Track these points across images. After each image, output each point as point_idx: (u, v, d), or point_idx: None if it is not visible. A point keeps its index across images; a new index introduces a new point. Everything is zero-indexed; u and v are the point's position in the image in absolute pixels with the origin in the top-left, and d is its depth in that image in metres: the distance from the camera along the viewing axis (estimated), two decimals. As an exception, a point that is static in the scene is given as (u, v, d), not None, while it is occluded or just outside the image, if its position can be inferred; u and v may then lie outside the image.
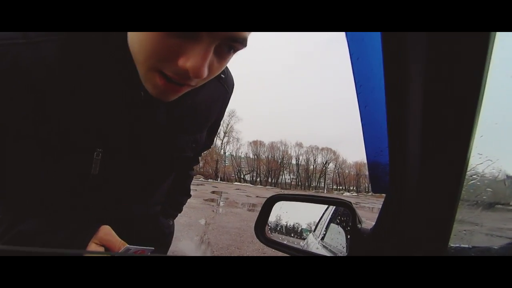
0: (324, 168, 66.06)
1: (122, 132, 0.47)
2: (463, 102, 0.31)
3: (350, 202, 0.59)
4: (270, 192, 29.87)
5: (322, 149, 66.67)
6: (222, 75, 0.61)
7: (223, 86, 0.63)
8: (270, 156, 60.58)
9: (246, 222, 6.41)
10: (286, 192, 35.55)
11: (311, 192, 47.46)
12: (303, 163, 65.85)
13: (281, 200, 0.72)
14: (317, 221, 0.86)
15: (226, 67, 0.56)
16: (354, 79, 0.41)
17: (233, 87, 0.67)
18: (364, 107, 0.43)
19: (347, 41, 0.38)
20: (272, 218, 0.71)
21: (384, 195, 0.49)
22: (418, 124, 0.34)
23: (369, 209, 13.40)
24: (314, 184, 64.28)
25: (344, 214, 0.71)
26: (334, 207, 0.80)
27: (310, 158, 65.61)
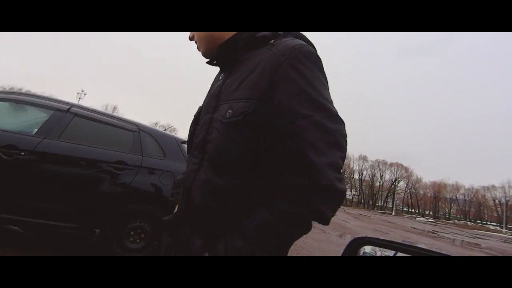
0: (393, 186, 60.40)
1: None
2: None
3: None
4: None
5: (391, 164, 61.54)
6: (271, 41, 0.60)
7: (270, 51, 0.58)
8: (330, 170, 58.48)
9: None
10: (346, 209, 34.17)
11: (377, 213, 43.98)
12: (367, 178, 61.80)
13: (368, 245, 0.65)
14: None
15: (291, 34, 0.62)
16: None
17: (286, 52, 0.55)
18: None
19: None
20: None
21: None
22: None
23: (450, 241, 12.22)
24: (380, 204, 59.41)
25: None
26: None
27: (376, 174, 61.20)
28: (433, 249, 0.61)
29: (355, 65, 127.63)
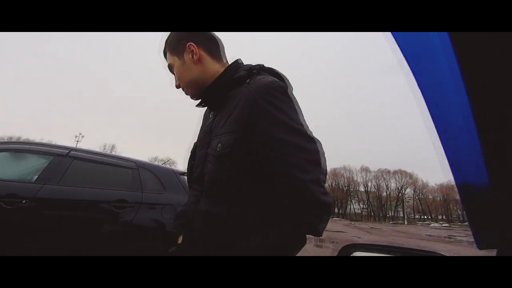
0: (400, 195, 59.26)
1: None
2: None
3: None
4: (338, 224, 28.40)
5: (395, 172, 60.86)
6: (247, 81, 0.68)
7: (246, 88, 0.66)
8: (334, 184, 57.92)
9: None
10: (357, 224, 33.19)
11: (388, 224, 42.75)
12: (373, 189, 60.78)
13: (358, 251, 0.66)
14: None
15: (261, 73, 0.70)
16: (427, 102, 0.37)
17: (260, 89, 0.62)
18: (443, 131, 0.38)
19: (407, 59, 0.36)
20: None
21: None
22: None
23: (469, 244, 11.49)
24: (390, 214, 57.90)
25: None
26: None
27: (381, 184, 60.27)
28: (423, 249, 0.63)
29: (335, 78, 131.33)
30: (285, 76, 0.71)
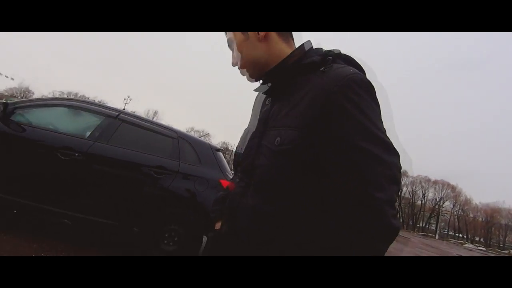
0: (437, 207, 55.05)
1: None
2: None
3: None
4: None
5: (436, 181, 56.23)
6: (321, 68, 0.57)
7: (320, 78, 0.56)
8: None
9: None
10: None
11: (418, 235, 40.37)
12: (407, 195, 57.14)
13: None
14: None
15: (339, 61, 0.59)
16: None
17: (339, 82, 0.53)
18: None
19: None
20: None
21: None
22: None
23: None
24: (421, 224, 54.48)
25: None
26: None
27: (418, 191, 56.30)
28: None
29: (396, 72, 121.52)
30: (364, 70, 0.60)
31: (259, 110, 0.70)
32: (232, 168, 0.76)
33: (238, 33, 0.66)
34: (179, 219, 2.54)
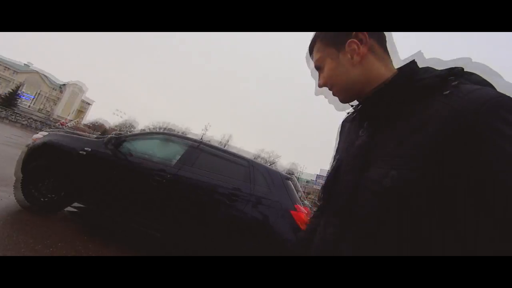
0: None
1: None
2: None
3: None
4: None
5: None
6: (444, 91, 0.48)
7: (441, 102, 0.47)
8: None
9: None
10: None
11: None
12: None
13: None
14: None
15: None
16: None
17: (478, 107, 0.43)
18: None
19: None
20: None
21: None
22: None
23: None
24: None
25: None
26: None
27: None
28: None
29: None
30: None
31: (349, 138, 0.63)
32: (317, 201, 0.75)
33: (328, 58, 0.61)
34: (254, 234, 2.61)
